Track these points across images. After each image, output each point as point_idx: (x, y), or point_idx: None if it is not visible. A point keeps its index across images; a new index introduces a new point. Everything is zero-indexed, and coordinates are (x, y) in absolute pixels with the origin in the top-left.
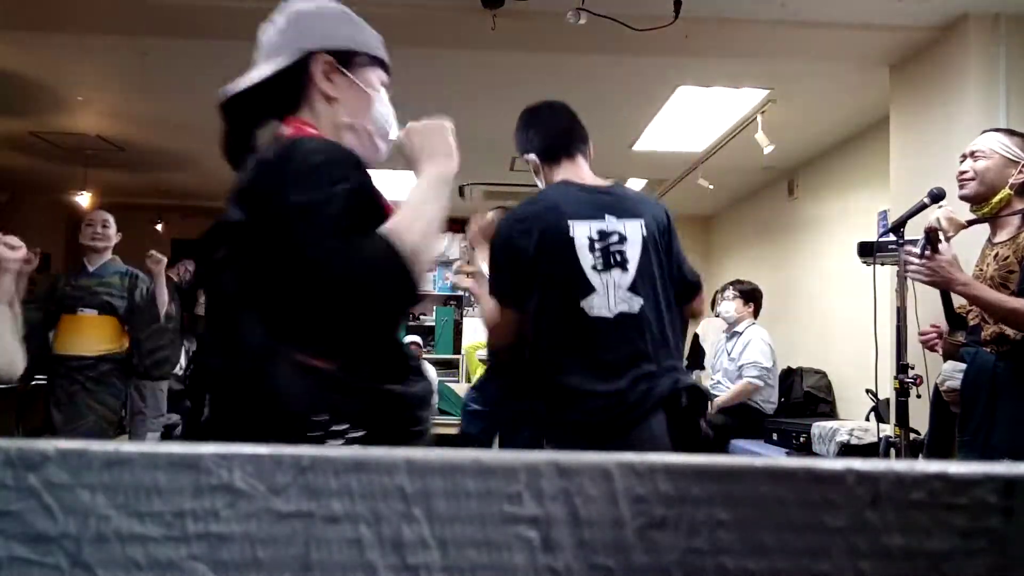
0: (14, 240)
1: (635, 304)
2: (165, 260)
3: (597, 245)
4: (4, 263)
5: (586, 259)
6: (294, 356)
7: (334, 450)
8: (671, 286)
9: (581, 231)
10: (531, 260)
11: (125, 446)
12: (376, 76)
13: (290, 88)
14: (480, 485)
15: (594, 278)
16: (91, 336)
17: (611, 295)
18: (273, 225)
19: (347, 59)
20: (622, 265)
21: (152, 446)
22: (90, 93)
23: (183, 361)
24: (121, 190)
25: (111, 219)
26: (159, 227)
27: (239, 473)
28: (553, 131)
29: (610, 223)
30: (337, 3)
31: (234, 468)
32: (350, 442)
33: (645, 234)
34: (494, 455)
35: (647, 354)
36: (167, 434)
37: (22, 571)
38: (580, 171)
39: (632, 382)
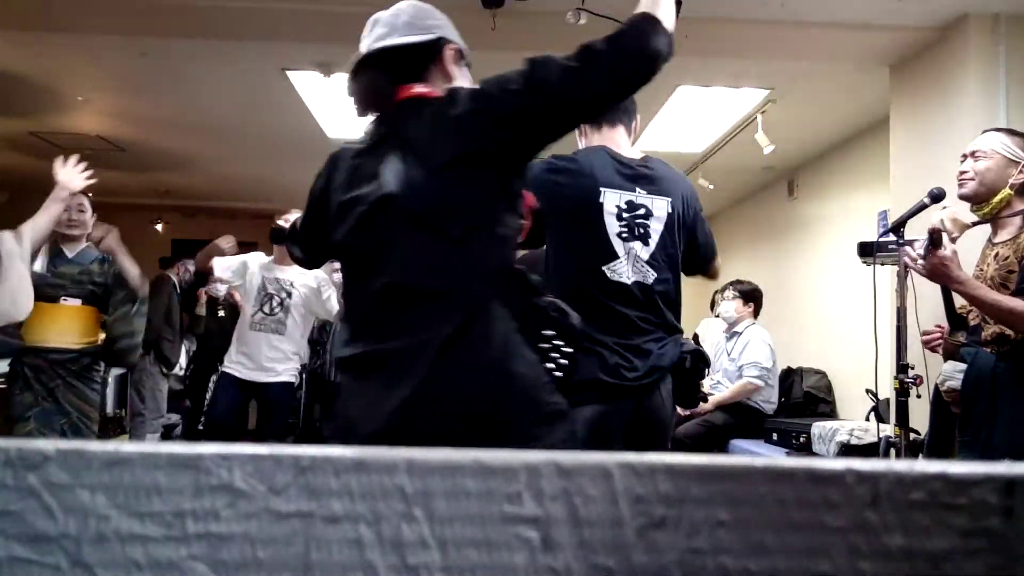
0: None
1: (649, 276)
2: (114, 229)
3: (625, 215)
4: (59, 190)
5: (612, 226)
6: (525, 278)
7: (334, 450)
8: (681, 262)
9: (611, 199)
10: (548, 213)
11: (125, 446)
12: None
13: (418, 61)
14: (480, 485)
15: (618, 245)
16: (74, 327)
17: (630, 264)
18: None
19: (460, 56)
20: (644, 239)
21: (152, 446)
22: (90, 93)
23: (183, 361)
24: (121, 190)
25: (87, 203)
26: (159, 227)
27: (239, 473)
28: None
29: (639, 196)
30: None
31: (234, 468)
32: (564, 357)
33: (671, 212)
34: (494, 455)
35: (657, 323)
36: (167, 434)
37: (22, 571)
38: (618, 140)
39: (643, 345)
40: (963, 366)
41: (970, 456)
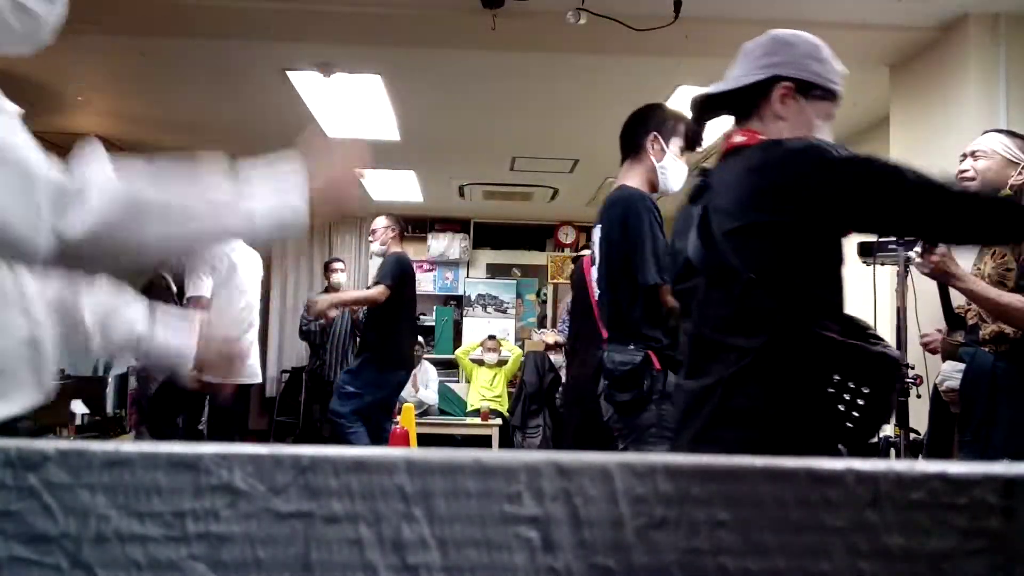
0: None
1: (598, 294)
2: None
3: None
4: None
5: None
6: (809, 328)
7: (334, 450)
8: (626, 279)
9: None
10: None
11: (125, 446)
12: (825, 108)
13: (749, 100)
14: (480, 485)
15: (593, 270)
16: None
17: (595, 285)
18: (818, 202)
19: (805, 88)
20: (596, 262)
21: (152, 446)
22: (90, 93)
23: None
24: None
25: None
26: None
27: (239, 473)
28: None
29: (596, 228)
30: (812, 38)
31: (234, 468)
32: (860, 397)
33: (602, 236)
34: (494, 455)
35: (601, 334)
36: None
37: (22, 571)
38: (623, 174)
39: (597, 355)
40: (962, 366)
41: (970, 456)
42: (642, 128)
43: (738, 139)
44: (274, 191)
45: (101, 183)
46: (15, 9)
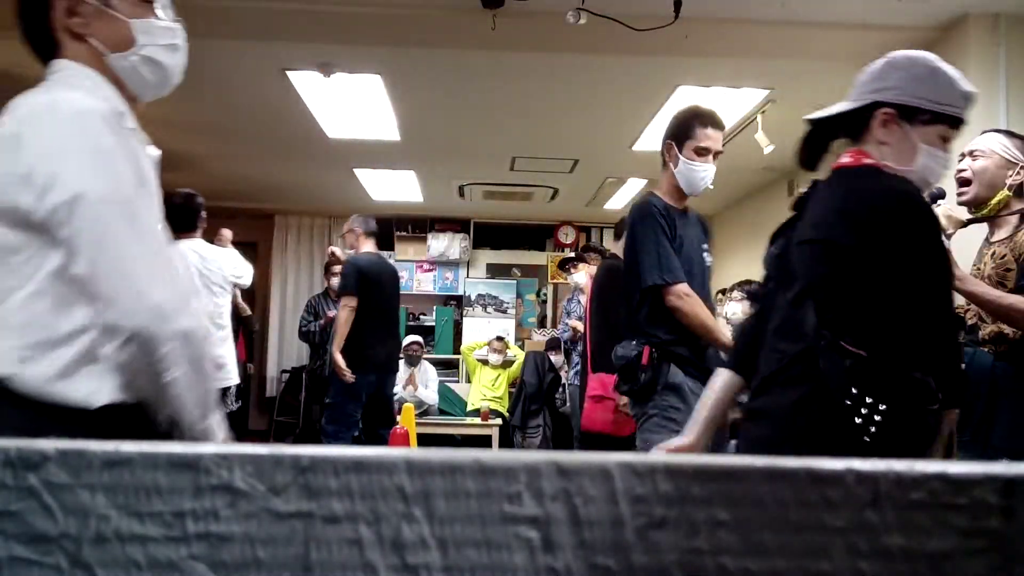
0: None
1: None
2: None
3: None
4: None
5: None
6: (839, 342)
7: (334, 450)
8: (634, 279)
9: None
10: None
11: (125, 446)
12: (936, 131)
13: (856, 125)
14: (480, 485)
15: None
16: None
17: None
18: (883, 246)
19: (910, 114)
20: None
21: (152, 446)
22: None
23: None
24: None
25: None
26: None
27: (239, 473)
28: None
29: None
30: (931, 61)
31: (234, 468)
32: (877, 413)
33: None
34: (494, 455)
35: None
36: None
37: (22, 571)
38: (659, 182)
39: None
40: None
41: (970, 456)
42: (663, 138)
43: (845, 159)
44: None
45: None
46: (146, 63)
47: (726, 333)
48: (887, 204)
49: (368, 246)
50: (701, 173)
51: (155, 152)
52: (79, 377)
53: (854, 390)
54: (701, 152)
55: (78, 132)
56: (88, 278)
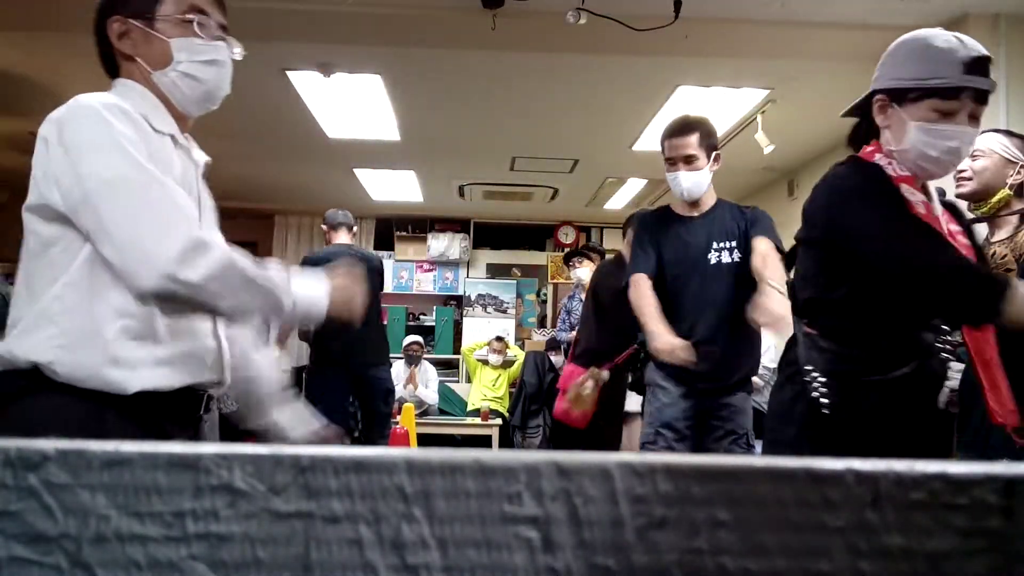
0: None
1: None
2: None
3: None
4: None
5: None
6: (803, 326)
7: (334, 450)
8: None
9: None
10: None
11: (125, 446)
12: (928, 106)
13: (870, 116)
14: (480, 485)
15: None
16: None
17: None
18: (824, 232)
19: (899, 96)
20: None
21: (152, 446)
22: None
23: None
24: None
25: None
26: None
27: (239, 473)
28: None
29: None
30: (919, 39)
31: (234, 468)
32: (824, 386)
33: None
34: (494, 455)
35: None
36: None
37: (22, 571)
38: None
39: None
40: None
41: (970, 456)
42: None
43: (866, 151)
44: (309, 288)
45: (221, 244)
46: (184, 78)
47: (657, 322)
48: (828, 198)
49: (339, 238)
50: (673, 182)
51: (204, 158)
52: (115, 363)
53: (808, 367)
54: (668, 162)
55: (84, 125)
56: (107, 257)
